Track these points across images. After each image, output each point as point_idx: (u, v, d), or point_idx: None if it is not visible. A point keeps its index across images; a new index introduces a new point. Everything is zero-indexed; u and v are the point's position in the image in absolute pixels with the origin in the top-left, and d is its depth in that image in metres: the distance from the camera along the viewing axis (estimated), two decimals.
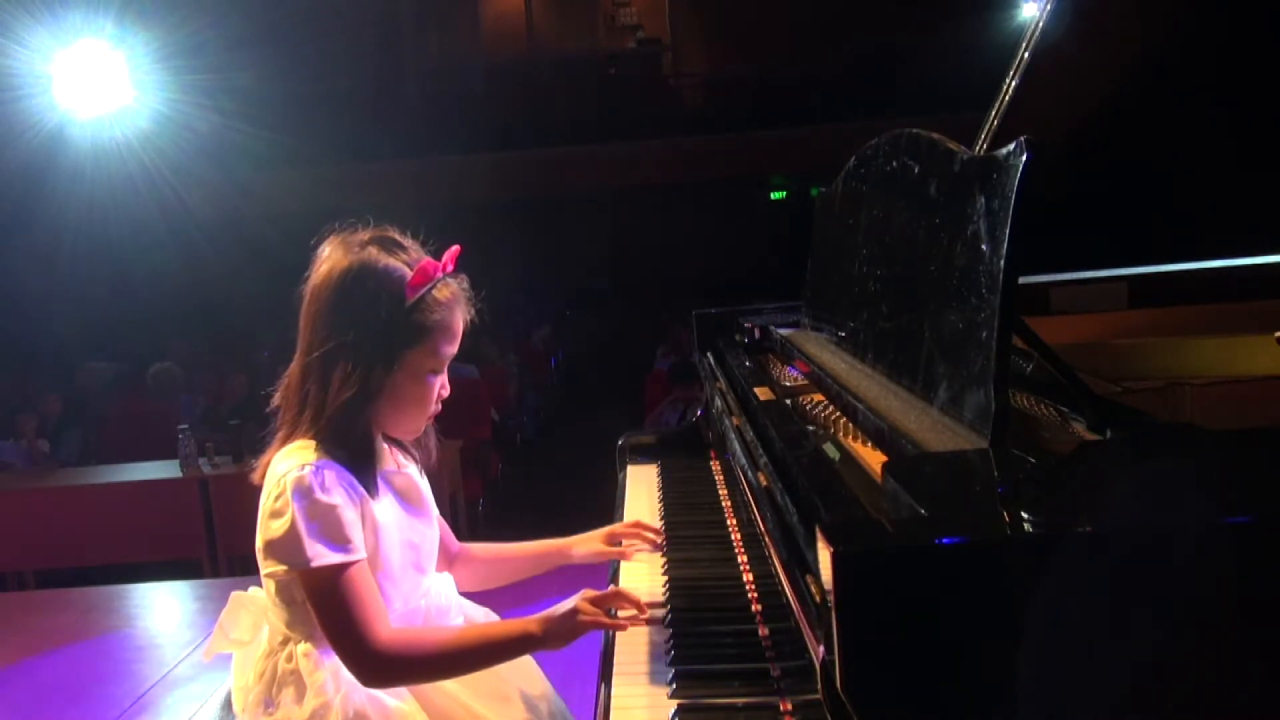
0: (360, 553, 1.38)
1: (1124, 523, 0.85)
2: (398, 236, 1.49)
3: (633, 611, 1.49)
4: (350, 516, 1.39)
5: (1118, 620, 0.82)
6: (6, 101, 7.25)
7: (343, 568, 1.36)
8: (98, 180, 8.46)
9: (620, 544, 1.82)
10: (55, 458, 6.12)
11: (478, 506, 6.23)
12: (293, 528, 1.35)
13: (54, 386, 6.89)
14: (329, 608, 1.36)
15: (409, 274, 1.44)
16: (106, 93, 7.46)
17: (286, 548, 1.36)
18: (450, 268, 1.50)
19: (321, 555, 1.35)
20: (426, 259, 1.47)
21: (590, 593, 1.46)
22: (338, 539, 1.36)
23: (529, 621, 1.43)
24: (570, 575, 1.81)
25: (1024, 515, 0.89)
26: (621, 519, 2.07)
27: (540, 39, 15.43)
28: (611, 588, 1.53)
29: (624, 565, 1.80)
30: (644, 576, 1.75)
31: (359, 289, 1.43)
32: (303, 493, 1.36)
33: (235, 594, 1.61)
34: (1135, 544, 0.82)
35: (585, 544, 1.80)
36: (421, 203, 9.44)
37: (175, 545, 5.21)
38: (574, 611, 1.42)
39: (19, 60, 6.95)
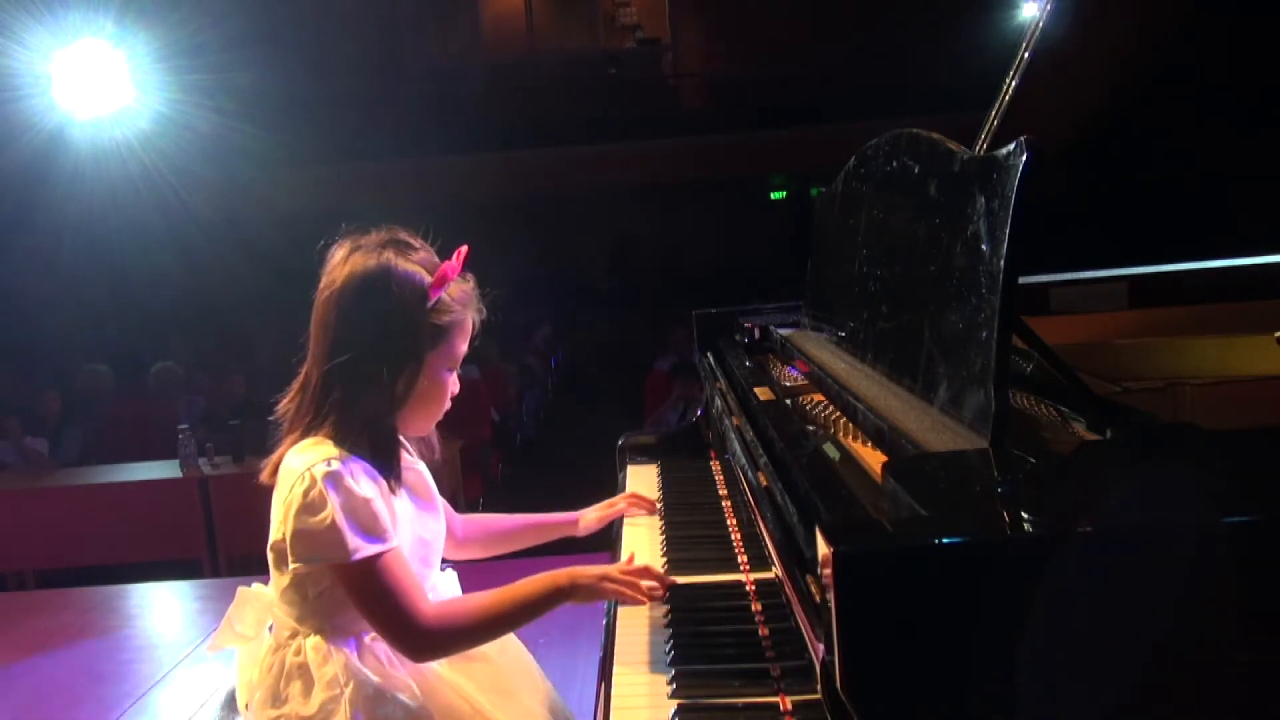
0: (395, 539, 1.41)
1: (1124, 523, 0.85)
2: (407, 237, 1.51)
3: (653, 589, 1.52)
4: (381, 507, 1.41)
5: (1117, 620, 0.82)
6: (6, 101, 7.24)
7: (383, 557, 1.38)
8: (98, 180, 8.45)
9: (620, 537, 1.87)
10: (55, 458, 6.11)
11: (478, 506, 6.23)
12: (333, 523, 1.36)
13: (53, 387, 6.89)
14: (373, 597, 1.39)
15: (428, 278, 1.46)
16: (106, 93, 7.45)
17: (327, 543, 1.37)
18: (459, 267, 1.51)
19: (362, 548, 1.37)
20: (446, 263, 1.49)
21: (621, 564, 1.53)
22: (375, 531, 1.38)
23: (558, 575, 1.48)
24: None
25: (1024, 515, 0.89)
26: (621, 519, 2.08)
27: (540, 39, 15.41)
28: (642, 564, 1.56)
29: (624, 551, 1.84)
30: None
31: (383, 295, 1.44)
32: (338, 487, 1.38)
33: (242, 589, 1.61)
34: (1135, 544, 0.82)
35: (587, 516, 1.92)
36: (422, 202, 9.42)
37: (175, 545, 5.21)
38: (604, 576, 1.47)
39: (19, 60, 6.94)
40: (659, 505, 2.12)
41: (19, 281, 9.80)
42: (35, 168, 8.49)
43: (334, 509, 1.36)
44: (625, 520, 2.01)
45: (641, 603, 1.49)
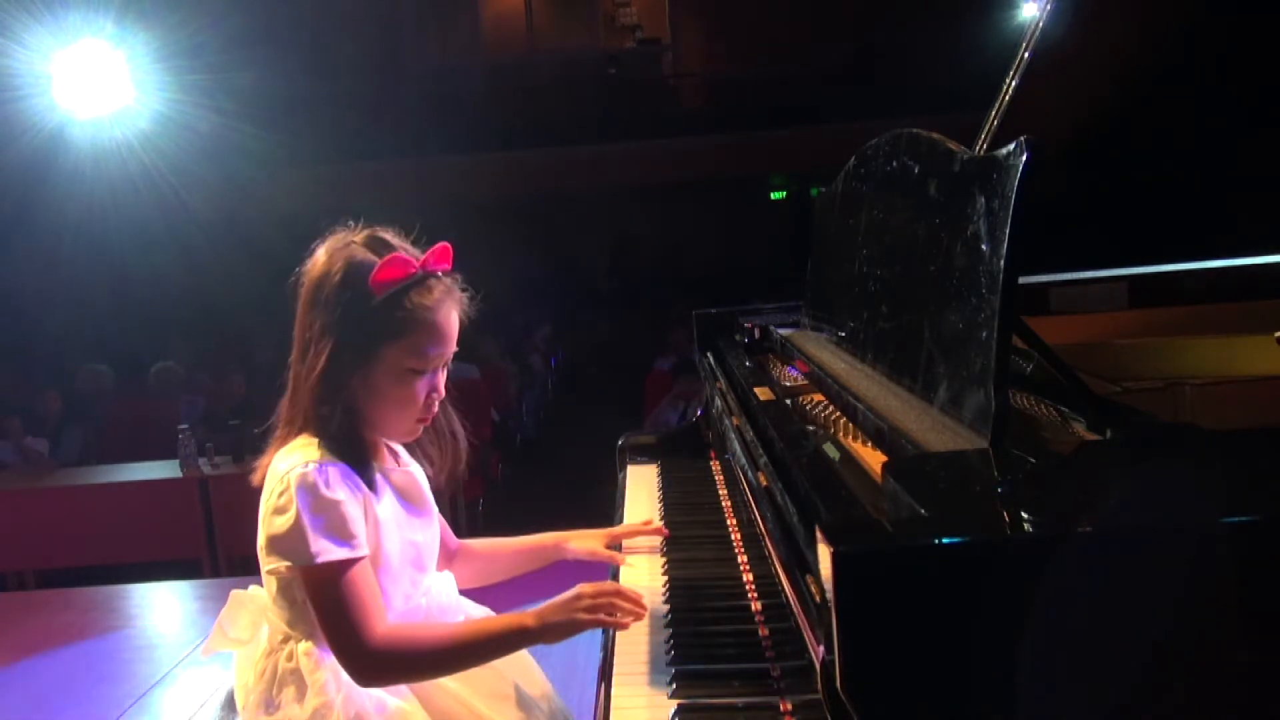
0: (363, 549, 1.39)
1: (1124, 523, 0.85)
2: (390, 237, 1.48)
3: (631, 610, 1.47)
4: (354, 513, 1.39)
5: (1117, 620, 0.82)
6: (6, 101, 7.25)
7: (346, 564, 1.36)
8: (98, 180, 8.46)
9: (619, 546, 1.82)
10: (55, 458, 6.11)
11: (478, 506, 6.23)
12: (297, 524, 1.35)
13: (53, 387, 6.89)
14: (328, 604, 1.36)
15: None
16: (106, 93, 7.46)
17: (290, 544, 1.36)
18: (437, 265, 1.46)
19: (326, 551, 1.35)
20: (397, 254, 1.43)
21: (588, 586, 1.45)
22: (342, 535, 1.36)
23: (524, 615, 1.43)
24: (570, 577, 1.82)
25: (1024, 515, 0.89)
26: (622, 519, 2.07)
27: (540, 39, 15.42)
28: (609, 583, 1.52)
29: (623, 565, 1.80)
30: (644, 576, 1.75)
31: (330, 282, 1.43)
32: (307, 489, 1.36)
33: (235, 592, 1.61)
34: (1135, 544, 0.82)
35: (582, 540, 1.80)
36: (422, 203, 9.42)
37: (175, 545, 5.21)
38: (571, 607, 1.42)
39: (19, 60, 6.95)
40: (659, 503, 2.12)
41: (19, 281, 9.81)
42: (35, 168, 8.50)
43: (299, 510, 1.35)
44: (625, 510, 1.98)
45: (623, 625, 1.44)
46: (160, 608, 4.69)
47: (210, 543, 5.18)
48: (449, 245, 1.49)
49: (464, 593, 1.67)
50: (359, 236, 1.47)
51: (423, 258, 1.46)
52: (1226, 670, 0.82)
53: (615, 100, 14.30)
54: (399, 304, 1.41)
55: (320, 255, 1.46)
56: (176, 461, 5.26)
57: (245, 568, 4.97)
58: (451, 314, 1.46)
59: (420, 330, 1.43)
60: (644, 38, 15.57)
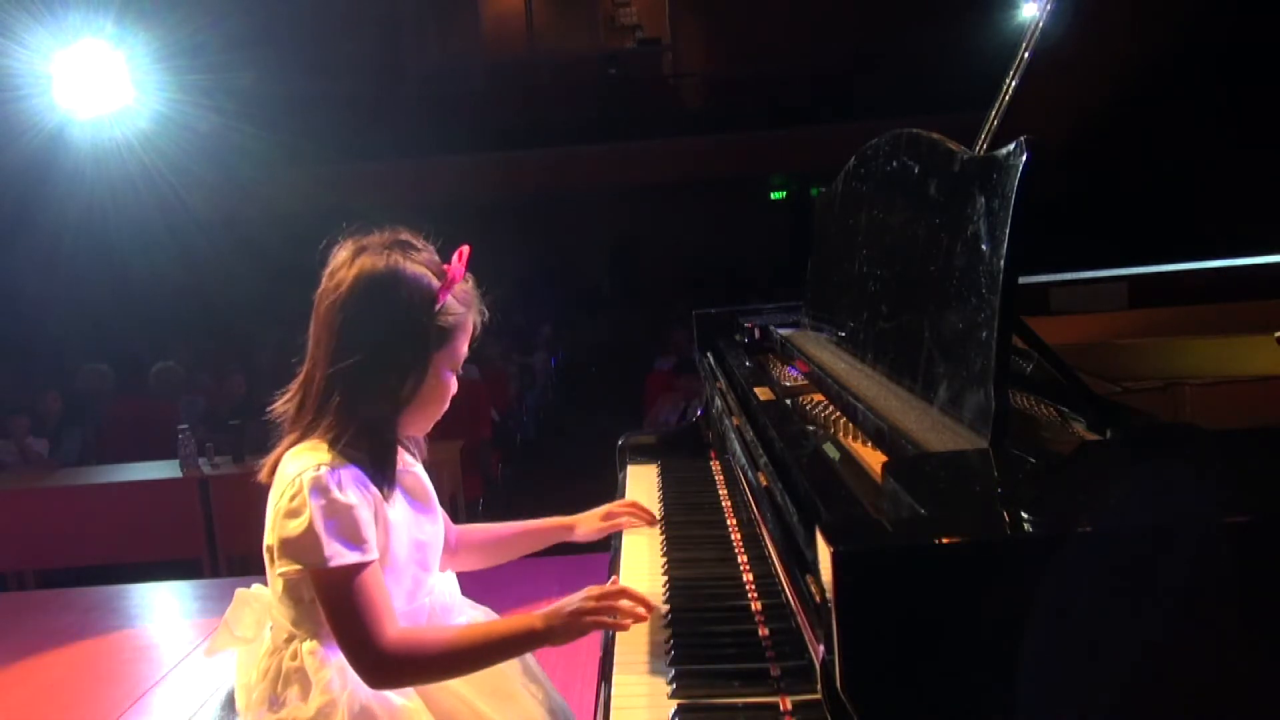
0: (374, 553, 1.39)
1: (1124, 523, 0.85)
2: (410, 238, 1.49)
3: (634, 611, 1.48)
4: (365, 516, 1.39)
5: (1117, 620, 0.82)
6: (6, 101, 7.25)
7: (358, 568, 1.37)
8: (98, 180, 8.46)
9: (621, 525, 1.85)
10: (55, 458, 6.11)
11: (478, 506, 6.23)
12: (310, 527, 1.35)
13: (53, 387, 6.89)
14: (340, 608, 1.37)
15: (435, 281, 1.45)
16: (106, 93, 7.46)
17: (303, 547, 1.36)
18: (464, 268, 1.51)
19: (339, 555, 1.35)
20: (451, 266, 1.48)
21: (594, 589, 1.46)
22: (354, 539, 1.37)
23: (533, 617, 1.44)
24: (572, 576, 1.83)
25: (1024, 515, 0.89)
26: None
27: (540, 39, 15.43)
28: (616, 584, 1.53)
29: (624, 565, 1.80)
30: (644, 576, 1.75)
31: (392, 298, 1.43)
32: (320, 492, 1.37)
33: (239, 591, 1.61)
34: (1135, 544, 0.82)
35: (585, 523, 1.85)
36: (422, 202, 9.43)
37: (175, 545, 5.21)
38: (578, 610, 1.42)
39: (19, 60, 6.95)
40: (659, 503, 2.12)
41: (19, 281, 9.81)
42: (35, 168, 8.51)
43: (313, 514, 1.35)
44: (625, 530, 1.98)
45: (624, 627, 1.45)
46: (160, 608, 4.69)
47: (210, 543, 5.18)
48: (469, 247, 1.51)
49: (464, 592, 1.68)
50: (385, 240, 1.47)
51: (457, 264, 1.49)
52: (1227, 670, 0.83)
53: (615, 100, 14.30)
54: (446, 312, 1.47)
55: (361, 265, 1.44)
56: (176, 461, 5.26)
57: (245, 568, 4.99)
58: (474, 312, 1.53)
59: (459, 333, 1.49)
60: (644, 38, 15.57)
